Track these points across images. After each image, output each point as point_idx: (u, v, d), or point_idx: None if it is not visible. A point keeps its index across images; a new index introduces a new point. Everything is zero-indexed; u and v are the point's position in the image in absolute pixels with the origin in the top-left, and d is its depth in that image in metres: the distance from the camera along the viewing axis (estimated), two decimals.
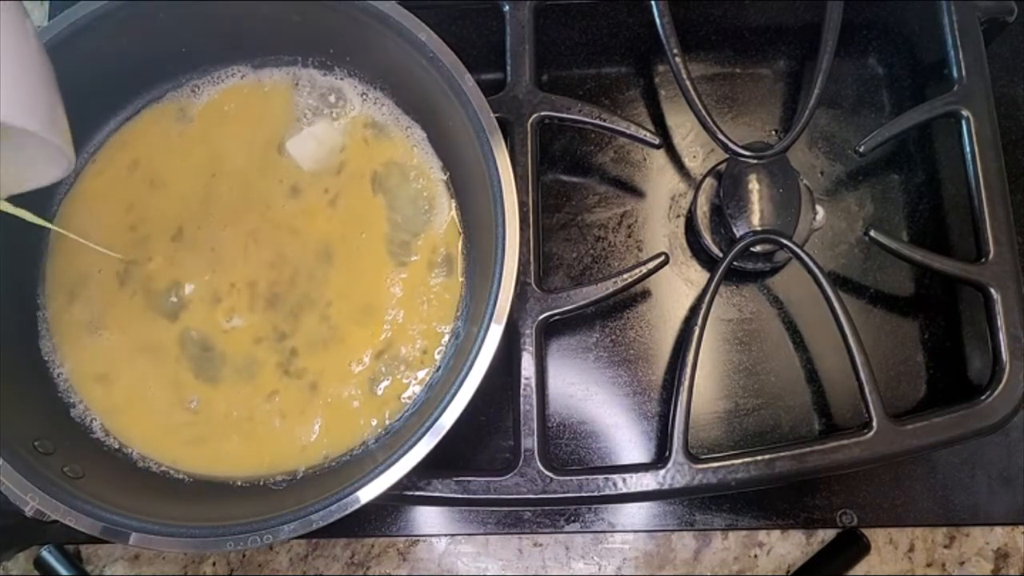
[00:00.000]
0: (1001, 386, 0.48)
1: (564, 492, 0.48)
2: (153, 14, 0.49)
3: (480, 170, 0.46)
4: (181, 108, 0.53)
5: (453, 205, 0.51)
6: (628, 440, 0.55)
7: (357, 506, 0.42)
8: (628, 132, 0.53)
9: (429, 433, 0.42)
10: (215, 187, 0.52)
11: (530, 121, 0.52)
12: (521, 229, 0.50)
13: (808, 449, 0.48)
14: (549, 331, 0.53)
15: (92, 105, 0.51)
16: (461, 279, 0.50)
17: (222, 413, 0.49)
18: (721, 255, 0.54)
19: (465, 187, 0.50)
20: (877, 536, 0.53)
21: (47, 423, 0.47)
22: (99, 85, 0.50)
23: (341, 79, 0.53)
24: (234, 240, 0.51)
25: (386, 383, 0.49)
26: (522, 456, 0.48)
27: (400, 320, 0.50)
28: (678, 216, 0.58)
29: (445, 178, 0.51)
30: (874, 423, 0.48)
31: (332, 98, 0.53)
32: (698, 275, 0.57)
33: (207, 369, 0.49)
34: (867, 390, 0.48)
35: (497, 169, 0.45)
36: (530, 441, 0.48)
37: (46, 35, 0.47)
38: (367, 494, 0.42)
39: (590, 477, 0.48)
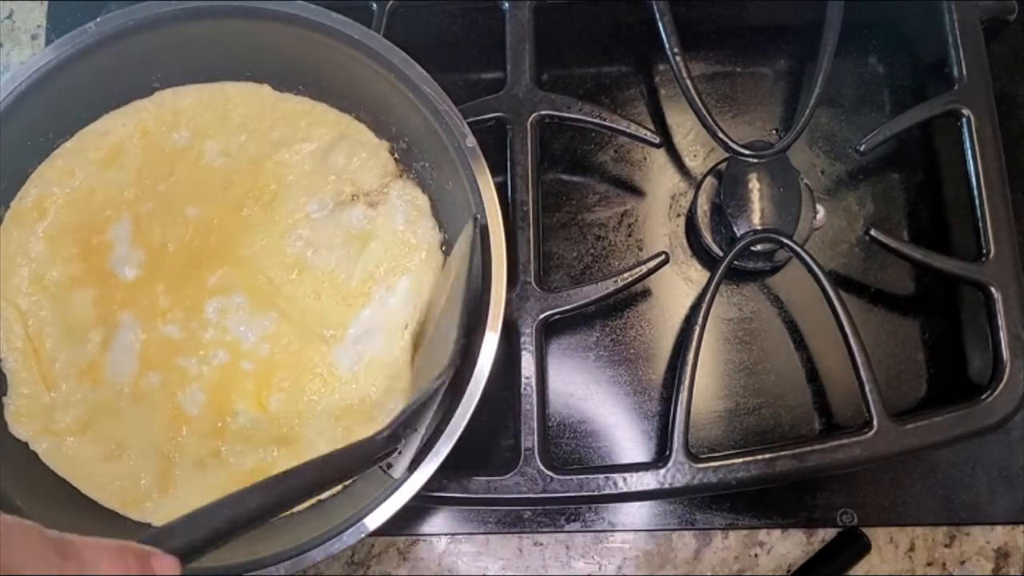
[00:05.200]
0: (1002, 385, 0.48)
1: (564, 491, 0.48)
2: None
3: (464, 197, 0.47)
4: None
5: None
6: (628, 439, 0.55)
7: (365, 534, 0.42)
8: (628, 131, 0.53)
9: (431, 455, 0.43)
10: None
11: (530, 120, 0.52)
12: (521, 229, 0.51)
13: (808, 448, 0.48)
14: (549, 331, 0.53)
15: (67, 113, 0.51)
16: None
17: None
18: (721, 254, 0.53)
19: (451, 212, 0.50)
20: (877, 535, 0.53)
21: None
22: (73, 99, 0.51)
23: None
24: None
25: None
26: (522, 455, 0.48)
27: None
28: (678, 215, 0.58)
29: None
30: (875, 422, 0.48)
31: None
32: (698, 274, 0.57)
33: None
34: (868, 389, 0.48)
35: (477, 184, 0.46)
36: (530, 440, 0.48)
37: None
38: (373, 521, 0.43)
39: (590, 476, 0.48)
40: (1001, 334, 0.48)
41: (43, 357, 0.49)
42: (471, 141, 0.46)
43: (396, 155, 0.52)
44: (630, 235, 0.58)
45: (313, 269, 0.50)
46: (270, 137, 0.51)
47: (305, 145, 0.51)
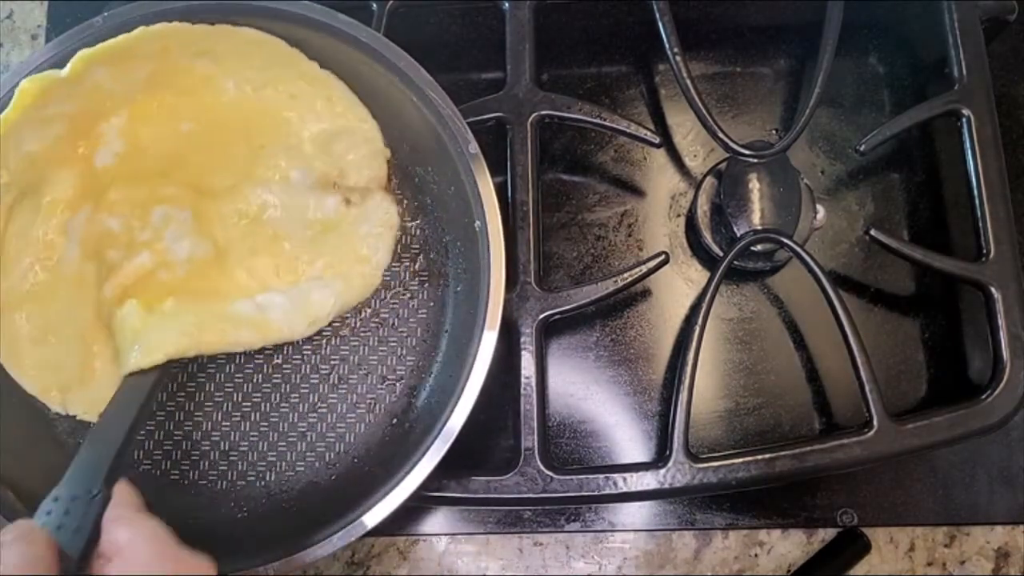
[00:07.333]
0: (1002, 385, 0.48)
1: (564, 491, 0.48)
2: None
3: (465, 202, 0.47)
4: None
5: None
6: (628, 439, 0.55)
7: (363, 532, 0.42)
8: (628, 131, 0.53)
9: (429, 453, 0.43)
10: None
11: (530, 120, 0.52)
12: (521, 229, 0.51)
13: (808, 448, 0.48)
14: (549, 331, 0.53)
15: None
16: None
17: None
18: (721, 254, 0.53)
19: (451, 217, 0.50)
20: (877, 535, 0.53)
21: None
22: None
23: None
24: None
25: None
26: (522, 455, 0.48)
27: None
28: (678, 215, 0.58)
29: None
30: (874, 422, 0.48)
31: None
32: (698, 274, 0.57)
33: None
34: (868, 389, 0.48)
35: (478, 189, 0.46)
36: (530, 440, 0.48)
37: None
38: (372, 518, 0.42)
39: (590, 476, 0.48)
40: (1001, 334, 0.48)
41: (10, 232, 0.48)
42: (474, 147, 0.46)
43: (393, 170, 0.52)
44: (630, 235, 0.58)
45: (265, 226, 0.50)
46: (288, 91, 0.51)
47: (316, 118, 0.51)
